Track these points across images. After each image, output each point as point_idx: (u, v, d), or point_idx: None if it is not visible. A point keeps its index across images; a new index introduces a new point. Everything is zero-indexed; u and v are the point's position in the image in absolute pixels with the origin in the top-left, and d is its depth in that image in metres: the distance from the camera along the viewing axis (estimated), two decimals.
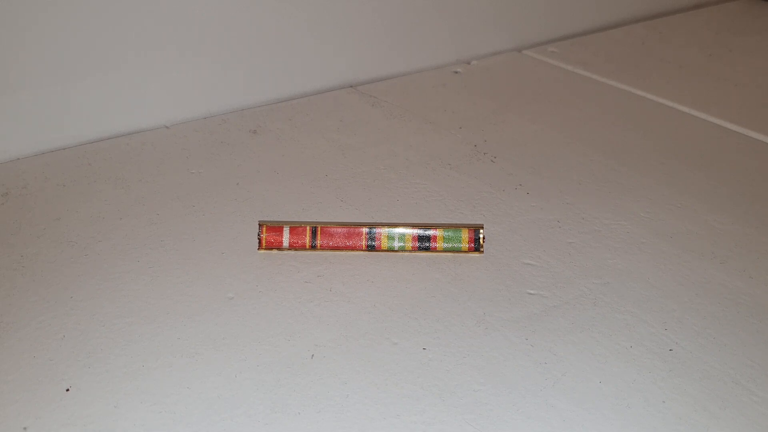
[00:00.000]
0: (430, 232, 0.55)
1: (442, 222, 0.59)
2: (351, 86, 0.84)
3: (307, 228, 0.55)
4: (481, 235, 0.55)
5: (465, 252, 0.55)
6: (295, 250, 0.55)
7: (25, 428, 0.40)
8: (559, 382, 0.44)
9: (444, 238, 0.55)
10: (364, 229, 0.55)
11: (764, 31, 1.07)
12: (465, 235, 0.55)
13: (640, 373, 0.45)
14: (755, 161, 0.70)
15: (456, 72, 0.89)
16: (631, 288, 0.52)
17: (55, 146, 0.68)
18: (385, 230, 0.55)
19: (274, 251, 0.55)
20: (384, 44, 0.86)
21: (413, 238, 0.55)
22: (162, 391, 0.42)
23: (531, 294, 0.51)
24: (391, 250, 0.55)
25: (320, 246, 0.55)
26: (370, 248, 0.55)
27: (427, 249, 0.55)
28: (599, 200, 0.62)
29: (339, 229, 0.55)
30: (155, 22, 0.70)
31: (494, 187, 0.64)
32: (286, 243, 0.55)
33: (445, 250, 0.55)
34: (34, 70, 0.65)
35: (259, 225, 0.55)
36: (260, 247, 0.54)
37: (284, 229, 0.55)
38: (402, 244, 0.55)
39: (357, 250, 0.55)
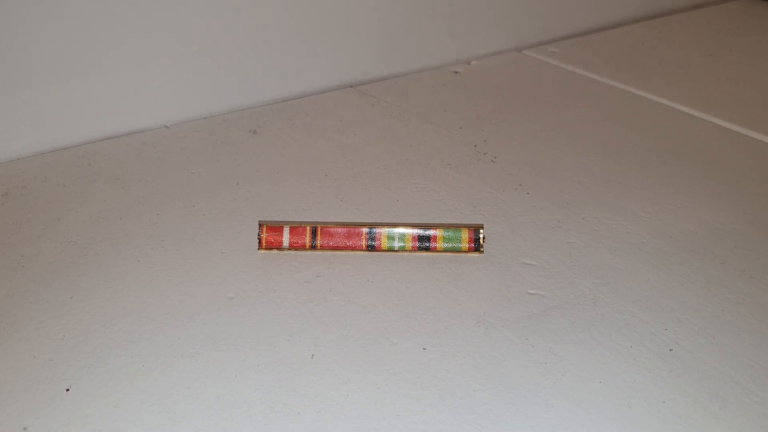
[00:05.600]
0: (430, 232, 0.55)
1: (442, 222, 0.59)
2: (351, 86, 0.84)
3: (307, 228, 0.55)
4: (481, 235, 0.55)
5: (465, 252, 0.55)
6: (295, 250, 0.55)
7: (25, 428, 0.40)
8: (559, 382, 0.44)
9: (444, 238, 0.55)
10: (364, 229, 0.55)
11: (764, 31, 1.07)
12: (465, 235, 0.55)
13: (640, 373, 0.45)
14: (755, 161, 0.70)
15: (456, 72, 0.89)
16: (631, 288, 0.52)
17: (55, 146, 0.68)
18: (385, 230, 0.55)
19: (274, 251, 0.55)
20: (384, 44, 0.86)
21: (413, 238, 0.55)
22: (162, 391, 0.42)
23: (531, 294, 0.51)
24: (391, 250, 0.55)
25: (320, 246, 0.55)
26: (370, 248, 0.55)
27: (427, 249, 0.55)
28: (599, 200, 0.63)
29: (339, 229, 0.55)
30: (155, 22, 0.70)
31: (494, 187, 0.64)
32: (286, 243, 0.55)
33: (445, 250, 0.55)
34: (34, 70, 0.65)
35: (259, 225, 0.55)
36: (260, 247, 0.54)
37: (284, 229, 0.55)
38: (402, 244, 0.55)
39: (357, 250, 0.55)
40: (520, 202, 0.62)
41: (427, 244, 0.55)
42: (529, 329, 0.48)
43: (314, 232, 0.55)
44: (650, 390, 0.43)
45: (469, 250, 0.55)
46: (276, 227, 0.55)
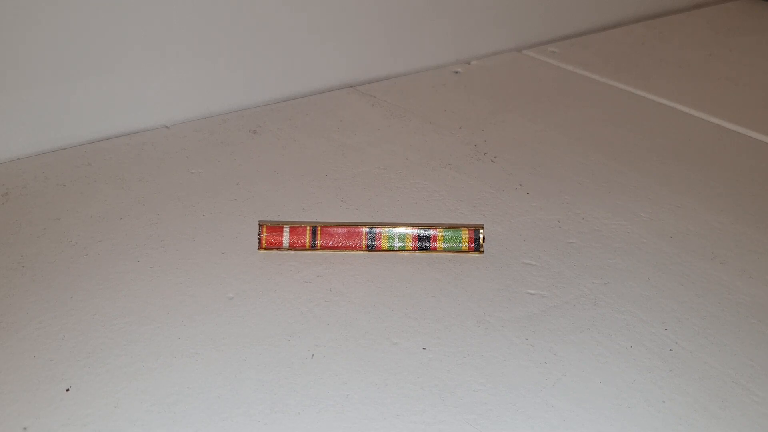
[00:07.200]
0: (430, 232, 0.55)
1: (442, 222, 0.59)
2: (351, 86, 0.84)
3: (307, 228, 0.55)
4: (481, 235, 0.55)
5: (465, 252, 0.55)
6: (295, 250, 0.55)
7: (25, 428, 0.40)
8: (559, 382, 0.44)
9: (444, 238, 0.55)
10: (364, 229, 0.55)
11: (764, 31, 1.07)
12: (465, 235, 0.55)
13: (640, 373, 0.45)
14: (755, 161, 0.70)
15: (456, 72, 0.89)
16: (631, 288, 0.52)
17: (55, 146, 0.68)
18: (385, 230, 0.55)
19: (274, 251, 0.55)
20: (384, 44, 0.86)
21: (413, 238, 0.55)
22: (162, 391, 0.42)
23: (531, 294, 0.51)
24: (391, 250, 0.55)
25: (320, 246, 0.55)
26: (370, 248, 0.55)
27: (427, 249, 0.55)
28: (599, 200, 0.63)
29: (339, 229, 0.55)
30: (155, 22, 0.70)
31: (494, 187, 0.64)
32: (286, 243, 0.55)
33: (445, 250, 0.55)
34: (34, 70, 0.65)
35: (259, 225, 0.55)
36: (260, 247, 0.54)
37: (284, 229, 0.55)
38: (402, 244, 0.55)
39: (357, 250, 0.55)
40: (520, 202, 0.62)
41: (427, 244, 0.55)
42: (529, 329, 0.48)
43: (314, 232, 0.55)
44: (650, 390, 0.43)
45: (469, 250, 0.55)
46: (276, 227, 0.55)
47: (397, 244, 0.55)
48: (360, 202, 0.61)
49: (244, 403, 0.42)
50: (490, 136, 0.73)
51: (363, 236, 0.55)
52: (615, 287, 0.52)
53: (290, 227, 0.55)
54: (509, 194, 0.63)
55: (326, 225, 0.55)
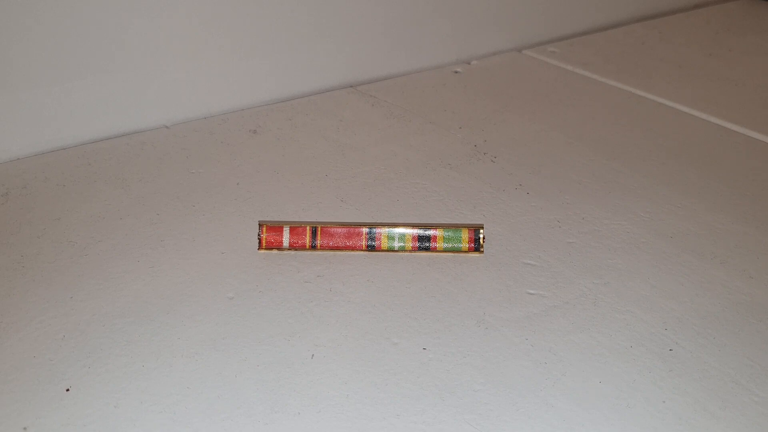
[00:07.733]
0: (430, 232, 0.55)
1: (442, 222, 0.59)
2: (351, 86, 0.84)
3: (307, 228, 0.55)
4: (481, 235, 0.55)
5: (465, 252, 0.55)
6: (295, 250, 0.55)
7: (25, 428, 0.40)
8: (559, 382, 0.44)
9: (444, 238, 0.55)
10: (364, 229, 0.55)
11: (764, 31, 1.07)
12: (465, 235, 0.55)
13: (640, 373, 0.45)
14: (755, 161, 0.70)
15: (456, 72, 0.89)
16: (631, 288, 0.52)
17: (55, 146, 0.68)
18: (385, 230, 0.55)
19: (274, 251, 0.55)
20: (384, 44, 0.86)
21: (413, 238, 0.55)
22: (162, 391, 0.42)
23: (531, 294, 0.51)
24: (391, 250, 0.55)
25: (320, 246, 0.55)
26: (370, 248, 0.55)
27: (427, 249, 0.55)
28: (599, 200, 0.63)
29: (339, 229, 0.55)
30: (155, 21, 0.70)
31: (494, 187, 0.64)
32: (286, 243, 0.55)
33: (445, 250, 0.55)
34: (34, 70, 0.65)
35: (259, 225, 0.55)
36: (260, 247, 0.54)
37: (284, 229, 0.55)
38: (402, 244, 0.55)
39: (357, 250, 0.55)
40: (520, 202, 0.62)
41: (427, 244, 0.55)
42: (529, 329, 0.48)
43: (314, 232, 0.55)
44: (650, 390, 0.43)
45: (469, 250, 0.55)
46: (276, 227, 0.55)
47: (397, 244, 0.55)
48: (360, 202, 0.61)
49: (244, 403, 0.42)
50: (490, 136, 0.73)
51: (363, 236, 0.55)
52: (615, 287, 0.52)
53: (290, 227, 0.55)
54: (509, 194, 0.63)
55: (326, 225, 0.55)
